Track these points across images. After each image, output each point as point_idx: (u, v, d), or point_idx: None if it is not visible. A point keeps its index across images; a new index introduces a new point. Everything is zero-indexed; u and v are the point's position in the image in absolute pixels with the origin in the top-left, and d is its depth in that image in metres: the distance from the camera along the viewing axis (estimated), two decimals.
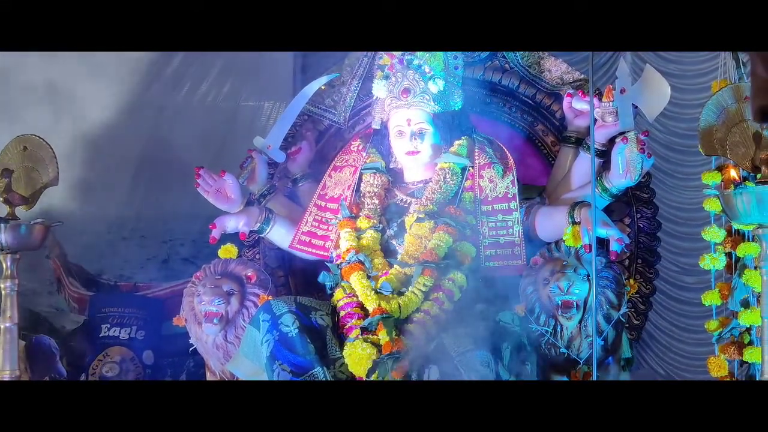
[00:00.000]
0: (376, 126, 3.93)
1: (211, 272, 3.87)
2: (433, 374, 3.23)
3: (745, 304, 3.42)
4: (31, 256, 5.13)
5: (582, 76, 4.01)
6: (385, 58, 3.84)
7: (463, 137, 3.82)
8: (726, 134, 3.44)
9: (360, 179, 3.88)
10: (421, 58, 3.77)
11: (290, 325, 3.48)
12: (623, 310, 3.44)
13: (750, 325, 3.39)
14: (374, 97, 3.97)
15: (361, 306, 3.53)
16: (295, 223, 3.93)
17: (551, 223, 3.64)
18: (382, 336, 3.37)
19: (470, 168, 3.78)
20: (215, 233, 3.80)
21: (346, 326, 3.50)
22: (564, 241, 3.51)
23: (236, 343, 3.70)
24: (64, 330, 5.36)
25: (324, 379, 3.41)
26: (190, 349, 3.93)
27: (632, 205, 3.89)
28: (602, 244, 3.48)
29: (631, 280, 3.70)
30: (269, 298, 3.70)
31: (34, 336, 4.66)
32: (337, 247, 3.79)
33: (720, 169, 3.57)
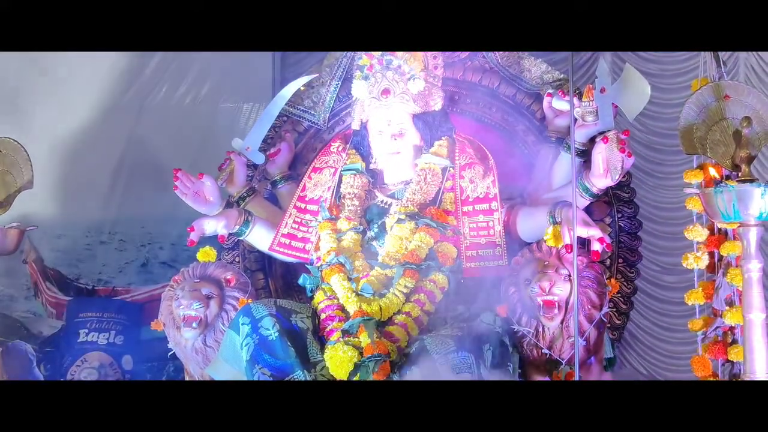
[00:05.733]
0: (355, 127, 3.92)
1: (189, 276, 3.84)
2: (414, 376, 3.21)
3: (730, 303, 3.42)
4: (7, 261, 5.09)
5: (562, 75, 4.02)
6: (365, 58, 3.82)
7: (443, 137, 3.81)
8: (706, 133, 3.45)
9: (340, 180, 3.86)
10: (400, 58, 3.76)
11: (270, 329, 3.45)
12: (605, 309, 3.44)
13: (734, 324, 3.39)
14: (353, 98, 3.96)
15: (342, 308, 3.51)
16: (274, 225, 3.91)
17: (532, 223, 3.63)
18: (363, 338, 3.35)
19: (451, 169, 3.77)
20: (194, 236, 3.76)
21: (327, 329, 3.48)
22: (545, 241, 3.50)
23: (215, 347, 3.67)
24: (41, 335, 5.31)
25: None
26: (169, 353, 3.89)
27: (613, 205, 3.88)
28: (583, 244, 3.47)
29: (613, 280, 3.69)
30: (249, 301, 3.67)
31: (10, 342, 4.62)
32: (317, 249, 3.77)
33: (701, 167, 3.57)
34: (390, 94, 3.73)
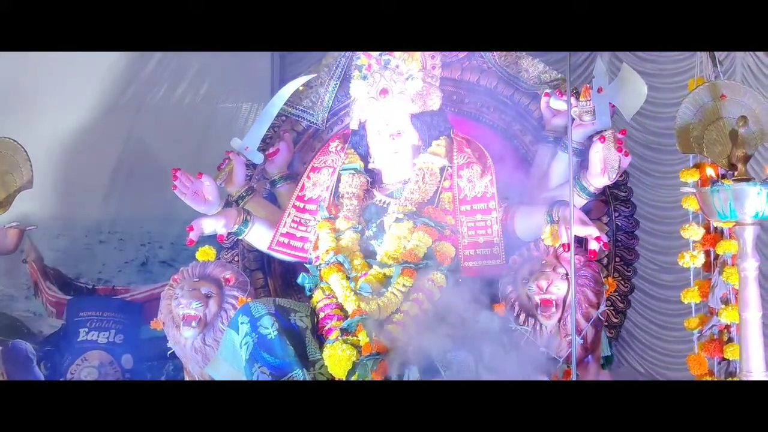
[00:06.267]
0: (354, 126, 3.92)
1: (189, 275, 3.85)
2: (413, 375, 3.22)
3: (725, 302, 3.43)
4: (7, 261, 5.10)
5: (559, 75, 4.02)
6: (363, 58, 3.83)
7: (441, 137, 3.82)
8: (702, 132, 3.45)
9: (338, 180, 3.87)
10: (398, 58, 3.77)
11: (269, 327, 3.46)
12: (602, 308, 3.45)
13: (730, 323, 3.41)
14: (352, 98, 3.96)
15: (341, 307, 3.51)
16: (273, 224, 3.91)
17: (530, 222, 3.64)
18: (362, 337, 3.36)
19: (449, 168, 3.78)
20: (193, 235, 3.77)
21: (326, 328, 3.49)
22: (543, 240, 3.51)
23: (215, 346, 3.68)
24: (41, 334, 5.32)
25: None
26: (169, 352, 3.90)
27: (610, 204, 3.89)
28: (581, 242, 3.48)
29: (610, 279, 3.70)
30: (248, 300, 3.68)
31: (11, 341, 4.63)
32: (316, 248, 3.78)
33: (697, 166, 3.58)
34: (388, 94, 3.74)
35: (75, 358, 5.06)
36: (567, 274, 3.38)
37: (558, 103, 3.76)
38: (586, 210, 3.65)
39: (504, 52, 4.09)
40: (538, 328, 3.40)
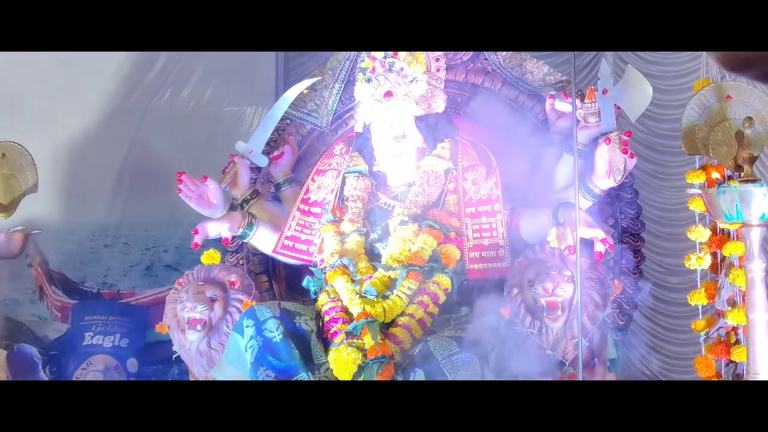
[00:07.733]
0: (358, 129, 3.92)
1: (194, 278, 3.85)
2: (418, 378, 3.21)
3: (732, 304, 3.43)
4: (12, 265, 5.11)
5: (564, 77, 4.02)
6: (367, 61, 3.83)
7: (446, 139, 3.82)
8: (708, 133, 3.45)
9: (343, 183, 3.87)
10: (402, 60, 3.77)
11: (274, 331, 3.45)
12: (608, 310, 3.44)
13: (737, 324, 3.40)
14: (356, 101, 3.96)
15: (346, 310, 3.51)
16: (278, 227, 3.91)
17: (535, 224, 3.63)
18: (367, 340, 3.35)
19: (453, 170, 3.78)
20: (198, 239, 3.77)
21: (331, 331, 3.48)
22: (548, 243, 3.50)
23: (220, 350, 3.68)
24: (46, 339, 5.33)
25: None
26: (174, 356, 3.90)
27: (616, 206, 3.88)
28: (586, 245, 3.47)
29: (616, 281, 3.69)
30: (253, 303, 3.67)
31: (16, 345, 4.64)
32: (321, 251, 3.78)
33: (703, 168, 3.58)
34: (392, 97, 3.74)
35: (80, 362, 5.08)
36: (573, 277, 3.37)
37: (563, 105, 3.75)
38: (592, 212, 3.64)
39: (508, 55, 4.08)
40: (544, 330, 3.39)
